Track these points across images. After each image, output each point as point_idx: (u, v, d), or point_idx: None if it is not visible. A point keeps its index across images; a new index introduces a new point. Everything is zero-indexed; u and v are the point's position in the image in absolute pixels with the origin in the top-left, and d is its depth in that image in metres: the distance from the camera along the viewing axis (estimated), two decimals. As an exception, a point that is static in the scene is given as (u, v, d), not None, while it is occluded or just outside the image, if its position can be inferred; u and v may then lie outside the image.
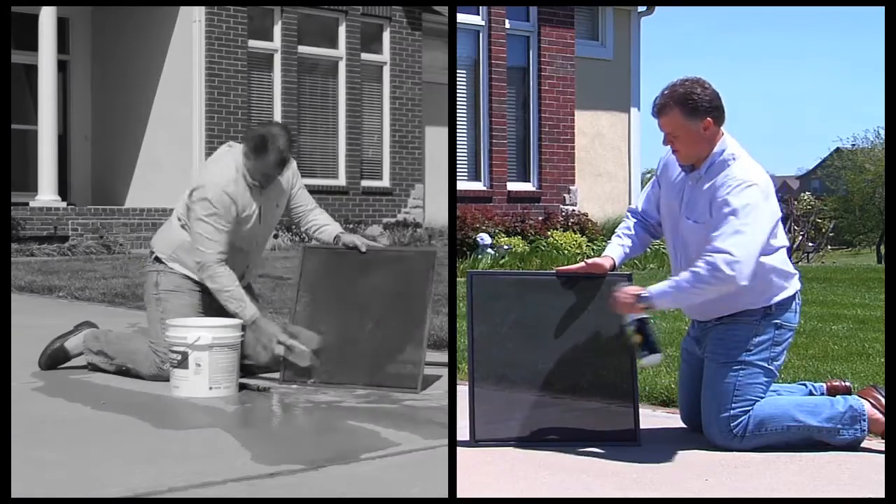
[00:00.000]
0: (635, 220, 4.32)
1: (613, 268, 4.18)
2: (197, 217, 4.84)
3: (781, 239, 4.05)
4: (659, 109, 4.00)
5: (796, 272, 4.11)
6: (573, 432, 4.04)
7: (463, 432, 4.02)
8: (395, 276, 4.99)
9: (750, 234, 3.83)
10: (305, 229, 5.29)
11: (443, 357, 5.38)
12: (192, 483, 3.26)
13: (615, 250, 4.24)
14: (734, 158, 3.95)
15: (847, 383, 4.28)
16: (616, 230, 4.35)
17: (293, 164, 5.16)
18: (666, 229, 4.22)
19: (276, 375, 4.98)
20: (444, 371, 5.02)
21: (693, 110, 3.93)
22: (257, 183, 4.94)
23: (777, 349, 4.01)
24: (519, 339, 4.09)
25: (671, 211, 4.15)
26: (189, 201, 4.90)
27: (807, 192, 23.74)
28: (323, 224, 5.24)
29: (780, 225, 4.05)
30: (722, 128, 4.01)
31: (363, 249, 5.07)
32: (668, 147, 4.07)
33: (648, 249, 12.64)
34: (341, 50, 15.75)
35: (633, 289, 3.96)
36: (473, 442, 3.98)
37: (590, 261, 4.18)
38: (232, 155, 4.97)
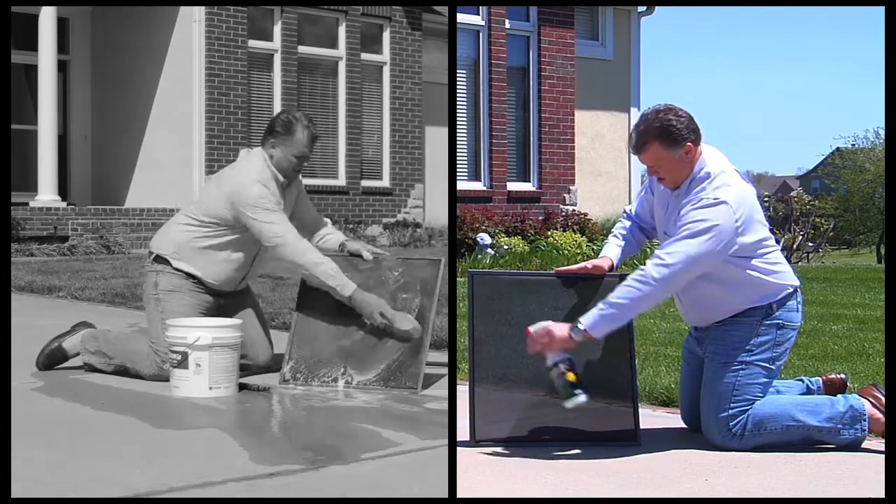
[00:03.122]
0: (630, 223, 4.34)
1: (612, 268, 4.20)
2: (255, 213, 4.83)
3: (770, 242, 4.04)
4: (638, 148, 3.99)
5: (788, 269, 4.10)
6: (573, 432, 4.04)
7: (463, 432, 4.02)
8: (401, 279, 4.97)
9: (692, 248, 3.81)
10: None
11: (443, 357, 5.38)
12: (192, 483, 3.26)
13: (612, 251, 4.25)
14: (709, 176, 3.94)
15: (843, 376, 4.29)
16: (612, 230, 4.37)
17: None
18: (659, 236, 4.24)
19: (276, 375, 4.98)
20: (444, 371, 5.02)
21: (673, 141, 3.92)
22: (284, 178, 4.97)
23: (779, 349, 4.01)
24: (519, 339, 4.09)
25: (659, 221, 4.18)
26: (238, 212, 4.86)
27: (798, 189, 23.72)
28: (326, 233, 5.26)
29: (767, 229, 4.03)
30: (700, 144, 4.00)
31: (368, 257, 5.06)
32: None
33: (648, 249, 12.65)
34: (341, 50, 15.75)
35: (561, 326, 3.88)
36: (473, 442, 3.98)
37: (589, 263, 4.19)
38: (254, 156, 4.99)
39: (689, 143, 3.92)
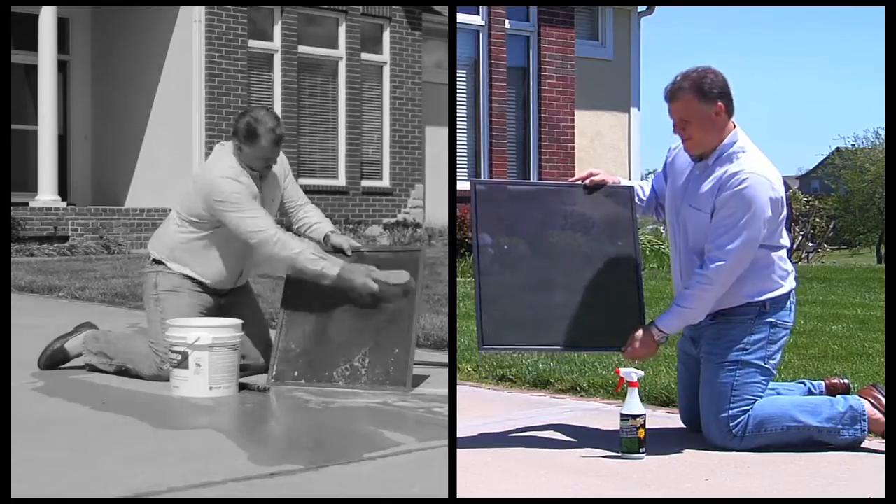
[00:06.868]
0: (650, 185, 4.41)
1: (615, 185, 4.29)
2: (229, 208, 4.82)
3: (785, 238, 4.06)
4: (672, 94, 4.02)
5: (792, 271, 4.11)
6: (580, 338, 4.10)
7: (463, 432, 4.02)
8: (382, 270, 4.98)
9: (745, 238, 3.88)
10: (297, 227, 5.29)
11: (443, 357, 5.38)
12: (192, 483, 3.26)
13: (627, 182, 4.34)
14: (743, 151, 3.97)
15: (846, 381, 4.29)
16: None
17: (283, 157, 5.17)
18: (668, 219, 4.25)
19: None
20: (444, 371, 5.02)
21: (706, 94, 3.96)
22: (257, 171, 4.95)
23: (773, 348, 4.01)
24: (522, 246, 4.14)
25: (674, 196, 4.18)
26: (213, 209, 4.86)
27: (794, 189, 23.71)
28: (315, 222, 5.24)
29: (784, 223, 4.06)
30: (733, 120, 4.03)
31: (348, 252, 5.06)
32: (678, 141, 4.09)
33: (648, 251, 12.66)
34: (341, 50, 15.75)
35: (645, 335, 4.03)
36: (482, 347, 4.03)
37: (588, 175, 4.25)
38: (226, 150, 4.98)
39: (720, 104, 3.96)
